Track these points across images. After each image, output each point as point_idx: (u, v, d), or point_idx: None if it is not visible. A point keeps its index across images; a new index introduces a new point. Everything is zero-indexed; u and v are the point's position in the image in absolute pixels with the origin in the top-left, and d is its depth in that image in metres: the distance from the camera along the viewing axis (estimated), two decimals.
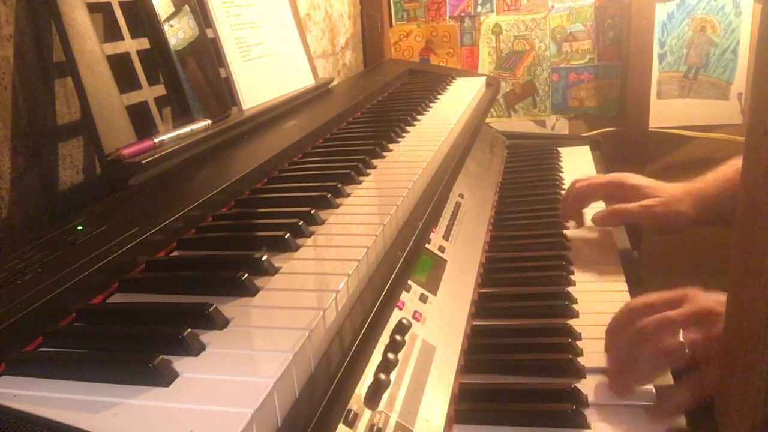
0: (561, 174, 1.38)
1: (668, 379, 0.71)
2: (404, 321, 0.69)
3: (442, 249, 0.89)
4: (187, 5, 0.94)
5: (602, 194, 1.13)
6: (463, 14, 2.01)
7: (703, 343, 0.67)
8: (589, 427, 0.65)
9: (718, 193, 0.99)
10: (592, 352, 0.76)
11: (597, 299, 0.88)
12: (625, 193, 1.07)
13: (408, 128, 1.05)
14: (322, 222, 0.67)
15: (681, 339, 0.67)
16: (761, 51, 0.51)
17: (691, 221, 1.00)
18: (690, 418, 0.66)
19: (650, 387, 0.70)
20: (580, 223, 1.12)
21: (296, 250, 0.60)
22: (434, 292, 0.79)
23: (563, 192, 1.27)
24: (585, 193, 1.11)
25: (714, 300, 0.69)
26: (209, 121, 0.89)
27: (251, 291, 0.51)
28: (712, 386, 0.64)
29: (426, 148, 0.91)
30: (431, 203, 0.77)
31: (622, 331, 0.72)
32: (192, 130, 0.85)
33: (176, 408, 0.38)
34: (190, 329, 0.44)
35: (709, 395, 0.64)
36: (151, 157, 0.76)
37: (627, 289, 0.91)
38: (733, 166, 0.99)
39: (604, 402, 0.68)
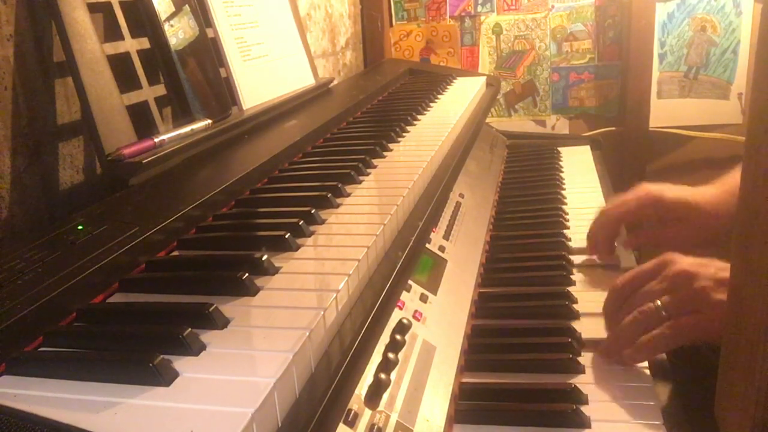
0: (561, 174, 1.38)
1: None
2: (404, 321, 0.69)
3: (442, 249, 0.89)
4: (187, 5, 0.94)
5: (634, 218, 0.99)
6: (463, 14, 2.01)
7: (679, 302, 0.72)
8: (590, 427, 0.65)
9: None
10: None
11: (597, 299, 0.88)
12: (660, 212, 0.96)
13: (408, 128, 1.05)
14: (323, 222, 0.67)
15: (657, 302, 0.73)
16: (761, 51, 0.51)
17: (728, 232, 0.95)
18: (690, 414, 0.66)
19: (652, 387, 0.70)
20: (610, 255, 0.98)
21: (296, 250, 0.60)
22: (434, 291, 0.79)
23: (563, 192, 1.27)
24: (619, 220, 0.98)
25: (689, 262, 0.74)
26: (209, 121, 0.89)
27: (251, 291, 0.51)
28: (687, 332, 0.71)
29: (426, 147, 0.91)
30: (431, 203, 0.77)
31: (615, 312, 0.77)
32: (192, 129, 0.85)
33: (176, 408, 0.38)
34: (190, 329, 0.44)
35: (684, 340, 0.72)
36: (152, 157, 0.76)
37: None
38: None
39: (606, 398, 0.69)
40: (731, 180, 0.96)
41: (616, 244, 1.00)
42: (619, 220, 0.99)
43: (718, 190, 0.96)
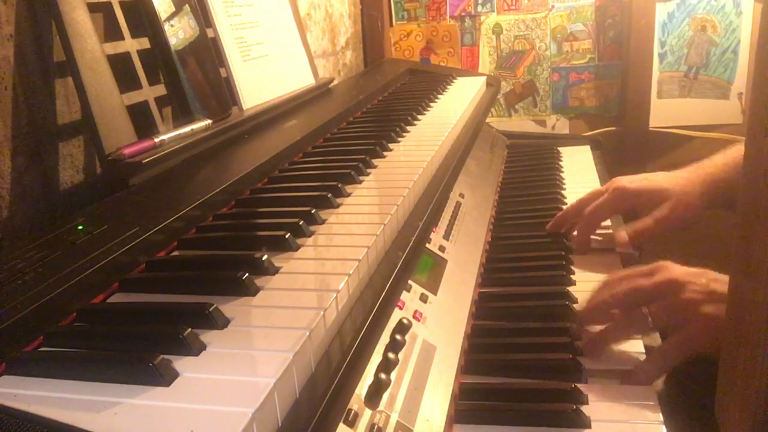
0: (561, 174, 1.38)
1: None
2: (404, 321, 0.69)
3: (442, 249, 0.89)
4: (187, 5, 0.94)
5: (611, 213, 1.07)
6: (463, 14, 2.01)
7: (666, 312, 0.73)
8: (590, 427, 0.65)
9: (728, 177, 0.96)
10: None
11: None
12: (631, 202, 1.02)
13: (408, 128, 1.05)
14: (323, 222, 0.67)
15: (644, 309, 0.73)
16: (762, 51, 0.51)
17: (700, 211, 0.98)
18: (690, 413, 0.66)
19: (652, 387, 0.70)
20: (586, 250, 1.03)
21: (297, 250, 0.60)
22: (434, 291, 0.79)
23: (564, 192, 1.27)
24: (596, 219, 1.03)
25: (681, 272, 0.75)
26: (209, 121, 0.89)
27: (251, 291, 0.51)
28: (677, 354, 0.71)
29: (426, 147, 0.91)
30: (432, 203, 0.77)
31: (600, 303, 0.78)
32: (192, 129, 0.85)
33: (176, 408, 0.38)
34: (190, 329, 0.44)
35: (676, 362, 0.71)
36: (152, 157, 0.76)
37: None
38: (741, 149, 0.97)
39: (605, 397, 0.69)
40: (705, 162, 1.00)
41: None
42: (598, 216, 1.03)
43: (689, 173, 1.00)
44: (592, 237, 1.05)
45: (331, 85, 1.36)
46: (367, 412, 0.57)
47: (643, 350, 0.76)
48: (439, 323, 0.75)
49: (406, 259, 0.63)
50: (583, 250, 1.03)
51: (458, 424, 0.67)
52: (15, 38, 0.72)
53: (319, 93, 1.28)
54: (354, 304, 0.54)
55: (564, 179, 1.35)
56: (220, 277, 0.54)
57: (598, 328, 0.78)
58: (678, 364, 0.71)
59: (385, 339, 0.65)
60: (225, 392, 0.39)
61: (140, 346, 0.45)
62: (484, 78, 1.53)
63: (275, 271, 0.55)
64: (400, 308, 0.71)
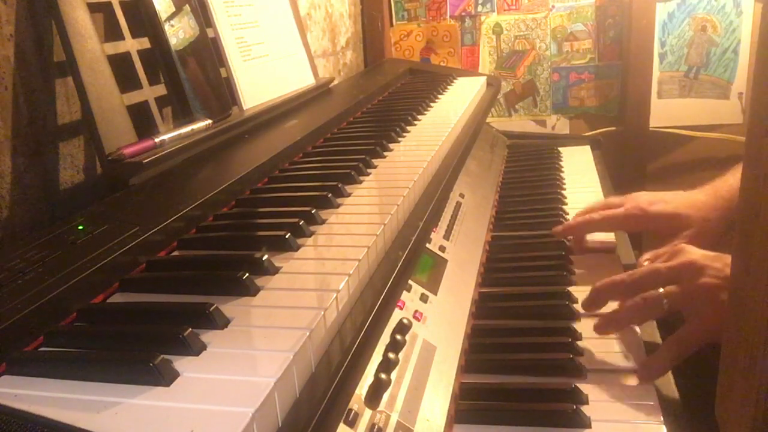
0: (561, 174, 1.38)
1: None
2: (405, 321, 0.69)
3: (442, 249, 0.89)
4: (187, 5, 0.94)
5: (620, 229, 1.02)
6: (463, 14, 2.01)
7: (683, 295, 0.72)
8: (590, 427, 0.65)
9: None
10: (593, 352, 0.77)
11: None
12: (647, 226, 0.98)
13: (408, 128, 1.05)
14: (323, 222, 0.67)
15: (660, 290, 0.73)
16: (762, 50, 0.51)
17: (719, 238, 0.94)
18: (690, 414, 0.66)
19: (652, 387, 0.70)
20: (581, 250, 1.02)
21: (297, 250, 0.60)
22: (435, 291, 0.79)
23: (564, 192, 1.27)
24: (602, 225, 0.99)
25: (701, 254, 0.74)
26: (210, 121, 0.89)
27: (252, 291, 0.51)
28: (692, 342, 0.71)
29: (427, 147, 0.91)
30: (432, 203, 0.77)
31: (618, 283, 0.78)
32: (192, 129, 0.85)
33: (177, 408, 0.38)
34: (190, 329, 0.44)
35: (691, 349, 0.71)
36: (152, 157, 0.76)
37: None
38: None
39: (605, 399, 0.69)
40: (720, 184, 0.97)
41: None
42: (603, 225, 0.99)
43: (707, 196, 0.97)
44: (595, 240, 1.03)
45: (332, 85, 1.35)
46: (368, 412, 0.57)
47: (644, 351, 0.76)
48: (439, 323, 0.75)
49: (407, 259, 0.63)
50: (581, 250, 1.01)
51: (458, 424, 0.67)
52: (15, 38, 0.72)
53: (319, 93, 1.28)
54: (354, 304, 0.54)
55: (564, 179, 1.35)
56: (221, 277, 0.54)
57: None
58: (693, 351, 0.71)
59: (385, 339, 0.65)
60: (225, 392, 0.39)
61: (140, 346, 0.45)
62: (484, 78, 1.53)
63: (275, 271, 0.55)
64: (401, 308, 0.71)
